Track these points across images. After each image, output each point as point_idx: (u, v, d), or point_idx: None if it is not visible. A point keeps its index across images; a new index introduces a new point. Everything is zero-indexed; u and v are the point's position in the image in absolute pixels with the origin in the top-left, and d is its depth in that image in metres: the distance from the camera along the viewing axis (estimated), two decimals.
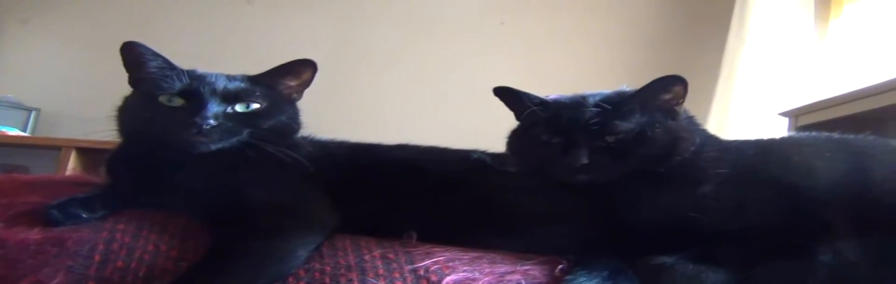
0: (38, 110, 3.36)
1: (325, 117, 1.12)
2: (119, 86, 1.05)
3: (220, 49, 3.24)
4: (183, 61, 1.05)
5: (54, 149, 2.98)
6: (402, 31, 3.37)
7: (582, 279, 0.80)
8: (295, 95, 1.07)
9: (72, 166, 2.85)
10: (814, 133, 1.07)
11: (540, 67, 3.19)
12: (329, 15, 3.41)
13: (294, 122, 1.04)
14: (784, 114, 2.30)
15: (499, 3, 3.37)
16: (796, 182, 0.91)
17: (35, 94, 3.39)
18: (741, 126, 2.63)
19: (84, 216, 0.88)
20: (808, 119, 2.18)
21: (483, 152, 1.10)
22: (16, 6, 3.62)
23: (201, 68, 1.04)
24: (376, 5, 3.40)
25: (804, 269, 0.84)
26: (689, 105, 1.02)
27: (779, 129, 2.34)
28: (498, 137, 1.08)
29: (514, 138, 1.03)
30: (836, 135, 1.04)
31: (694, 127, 1.00)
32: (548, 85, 1.22)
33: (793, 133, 1.09)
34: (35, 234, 0.84)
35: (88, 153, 2.89)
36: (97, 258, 0.81)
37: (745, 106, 2.68)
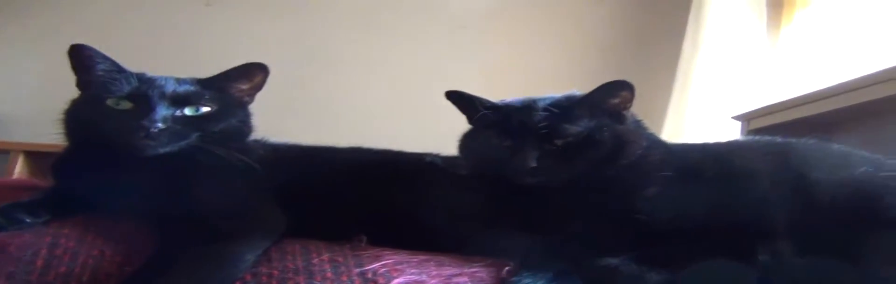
0: None
1: (281, 119, 1.12)
2: (70, 89, 1.04)
3: (178, 51, 3.19)
4: (140, 64, 1.04)
5: (2, 153, 2.91)
6: (361, 34, 3.36)
7: (527, 280, 0.81)
8: (246, 99, 1.06)
9: (19, 170, 2.78)
10: (757, 137, 1.10)
11: (499, 71, 3.21)
12: (288, 18, 3.38)
13: (245, 125, 1.04)
14: (737, 118, 2.35)
15: (460, 7, 3.38)
16: (737, 185, 0.93)
17: None
18: (696, 130, 2.68)
19: (28, 220, 0.87)
20: (759, 123, 2.23)
21: (436, 156, 1.11)
22: None
23: (160, 71, 1.03)
24: (335, 9, 3.39)
25: (744, 268, 0.87)
26: (646, 109, 1.04)
27: (732, 132, 2.39)
28: (455, 140, 1.09)
29: (466, 141, 1.04)
30: (778, 139, 1.08)
31: (641, 131, 1.01)
32: (507, 89, 1.23)
33: (738, 137, 1.11)
34: None
35: (37, 157, 2.83)
36: (40, 263, 0.80)
37: (700, 110, 2.73)
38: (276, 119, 1.11)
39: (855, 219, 0.87)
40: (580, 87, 1.05)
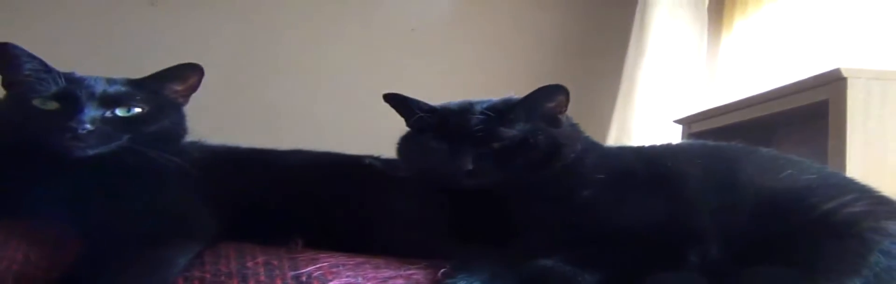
0: None
1: (226, 122, 1.10)
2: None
3: (121, 52, 3.13)
4: (81, 65, 1.02)
5: None
6: (308, 34, 3.33)
7: (462, 282, 0.81)
8: (181, 100, 1.04)
9: None
10: (691, 141, 1.13)
11: (449, 74, 3.22)
12: (235, 19, 3.33)
13: (179, 127, 1.02)
14: (678, 121, 2.41)
15: (410, 9, 3.39)
16: (669, 187, 0.96)
17: None
18: (641, 133, 2.74)
19: None
20: (699, 126, 2.29)
21: (375, 158, 1.11)
22: None
23: (103, 73, 1.01)
24: (283, 11, 3.36)
25: (674, 269, 0.89)
26: (592, 112, 1.06)
27: (675, 136, 2.45)
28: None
29: (404, 143, 1.04)
30: (710, 142, 1.11)
31: (577, 134, 1.03)
32: (456, 91, 1.23)
33: (671, 141, 1.14)
34: None
35: None
36: None
37: (644, 114, 2.79)
38: (220, 122, 1.10)
39: (781, 220, 0.89)
40: (529, 90, 1.06)
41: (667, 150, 1.07)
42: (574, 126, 1.04)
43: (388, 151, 1.10)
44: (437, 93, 1.08)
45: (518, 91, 1.05)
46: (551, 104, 1.00)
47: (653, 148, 1.08)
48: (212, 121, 1.08)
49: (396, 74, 3.17)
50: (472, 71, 3.25)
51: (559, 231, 0.92)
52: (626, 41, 2.98)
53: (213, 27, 3.30)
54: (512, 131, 0.96)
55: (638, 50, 2.90)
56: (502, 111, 0.97)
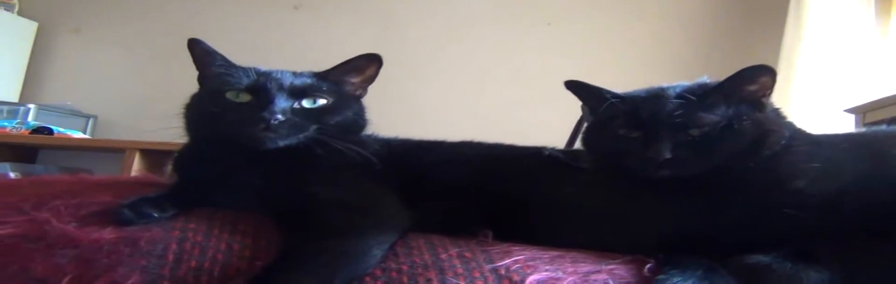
0: (95, 117, 3.42)
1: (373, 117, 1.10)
2: (172, 88, 1.04)
3: (265, 53, 3.26)
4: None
5: (116, 152, 3.03)
6: (446, 35, 3.35)
7: (676, 279, 0.75)
8: (360, 92, 1.05)
9: (136, 167, 2.88)
10: None
11: (589, 68, 3.13)
12: (373, 20, 3.40)
13: (361, 118, 1.02)
14: (850, 111, 2.22)
15: (546, 3, 3.32)
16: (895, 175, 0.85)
17: (91, 100, 3.46)
18: (803, 124, 2.54)
19: (155, 215, 0.86)
20: (876, 116, 2.10)
21: (554, 149, 1.06)
22: (67, 17, 3.71)
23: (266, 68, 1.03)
24: (420, 11, 3.39)
25: None
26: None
27: (845, 126, 2.26)
28: (537, 133, 1.04)
29: (591, 132, 0.99)
30: None
31: (781, 120, 0.94)
32: (601, 85, 1.17)
33: (882, 127, 1.02)
34: (108, 234, 0.82)
35: (151, 155, 2.93)
36: (171, 257, 0.80)
37: (805, 103, 2.59)
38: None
39: None
40: (675, 82, 0.98)
41: (887, 135, 0.96)
42: (777, 111, 0.95)
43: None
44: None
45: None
46: (754, 87, 0.91)
47: (868, 134, 0.98)
48: None
49: (534, 71, 3.12)
50: (615, 65, 3.14)
51: (772, 225, 0.84)
52: (782, 23, 2.78)
53: (351, 29, 3.39)
54: (713, 117, 0.88)
55: (795, 34, 2.70)
56: (700, 95, 0.90)
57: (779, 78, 2.74)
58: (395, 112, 3.18)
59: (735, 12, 3.18)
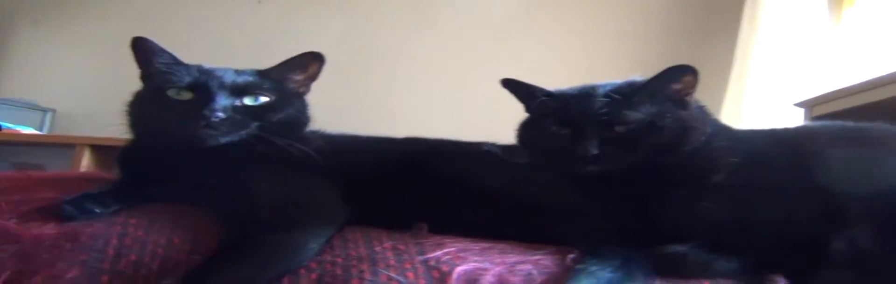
0: (53, 110, 3.39)
1: (333, 112, 1.12)
2: (132, 83, 1.06)
3: (229, 47, 3.25)
4: (193, 59, 1.06)
5: (68, 147, 3.01)
6: (411, 25, 3.37)
7: (594, 268, 0.79)
8: (303, 89, 1.07)
9: (86, 163, 2.88)
10: (828, 122, 1.06)
11: (553, 61, 3.17)
12: (337, 14, 3.40)
13: (303, 115, 1.05)
14: (799, 104, 2.28)
15: None
16: (811, 171, 0.90)
17: (50, 94, 3.42)
18: (755, 117, 2.61)
19: (97, 211, 0.89)
20: (823, 109, 2.15)
21: (493, 144, 1.10)
22: (26, 8, 3.66)
23: (211, 65, 1.04)
24: (384, 4, 3.40)
25: (818, 256, 0.84)
26: (702, 96, 1.01)
27: (794, 119, 2.32)
28: (508, 130, 1.07)
29: (524, 129, 1.03)
30: (850, 123, 1.03)
31: (705, 117, 0.99)
32: (561, 78, 1.21)
33: (806, 123, 1.07)
34: (50, 229, 0.84)
35: (103, 151, 2.92)
36: (111, 252, 0.82)
37: (759, 96, 2.65)
38: (328, 111, 1.11)
39: None
40: (635, 74, 1.02)
41: (805, 132, 1.01)
42: (702, 108, 1.00)
43: (492, 137, 1.09)
44: (540, 80, 1.05)
45: (624, 76, 1.01)
46: (678, 86, 0.96)
47: (788, 130, 1.02)
48: (318, 112, 1.10)
49: (499, 62, 3.15)
50: (577, 56, 3.19)
51: (690, 217, 0.89)
52: (737, 19, 2.84)
53: (315, 22, 3.39)
54: (638, 114, 0.92)
55: (751, 28, 2.75)
56: (627, 94, 0.94)
57: (735, 71, 2.77)
58: (362, 104, 3.22)
59: (693, 7, 3.24)
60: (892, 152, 0.90)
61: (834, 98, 2.11)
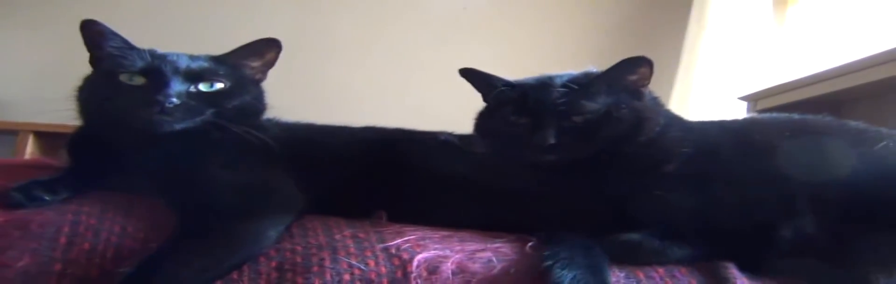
0: None
1: (289, 101, 1.11)
2: (79, 68, 1.02)
3: (183, 31, 3.16)
4: (145, 44, 1.03)
5: (10, 134, 2.90)
6: (363, 16, 3.33)
7: (564, 254, 0.81)
8: (259, 76, 1.05)
9: (30, 150, 2.78)
10: (775, 114, 1.10)
11: (504, 52, 3.19)
12: (290, 3, 3.35)
13: (259, 102, 1.03)
14: (743, 98, 2.34)
15: None
16: (759, 161, 0.93)
17: None
18: (701, 110, 2.68)
19: (47, 198, 0.86)
20: (766, 103, 2.22)
21: (450, 134, 1.10)
22: None
23: (164, 51, 1.02)
24: None
25: (765, 243, 0.87)
26: (651, 88, 1.03)
27: (738, 113, 2.39)
28: (466, 121, 1.08)
29: (482, 119, 1.03)
30: (796, 116, 1.07)
31: (659, 108, 1.01)
32: (512, 69, 1.22)
33: (754, 114, 1.11)
34: None
35: (46, 137, 2.83)
36: (63, 240, 0.80)
37: (705, 90, 2.72)
38: (285, 101, 1.10)
39: (877, 193, 0.87)
40: (584, 67, 1.04)
41: (753, 123, 1.04)
42: (656, 100, 1.02)
43: (449, 128, 1.10)
44: (494, 71, 1.06)
45: (575, 68, 1.03)
46: (634, 77, 0.98)
47: (737, 122, 1.06)
48: (278, 101, 1.08)
49: (450, 54, 3.15)
50: (527, 49, 3.21)
51: (644, 206, 0.91)
52: (686, 14, 2.90)
53: (269, 9, 3.33)
54: (594, 105, 0.94)
55: (699, 23, 2.81)
56: (584, 84, 0.96)
57: (682, 66, 2.82)
58: (319, 94, 3.18)
59: (643, 2, 3.29)
60: (835, 143, 0.94)
61: (777, 93, 2.18)
